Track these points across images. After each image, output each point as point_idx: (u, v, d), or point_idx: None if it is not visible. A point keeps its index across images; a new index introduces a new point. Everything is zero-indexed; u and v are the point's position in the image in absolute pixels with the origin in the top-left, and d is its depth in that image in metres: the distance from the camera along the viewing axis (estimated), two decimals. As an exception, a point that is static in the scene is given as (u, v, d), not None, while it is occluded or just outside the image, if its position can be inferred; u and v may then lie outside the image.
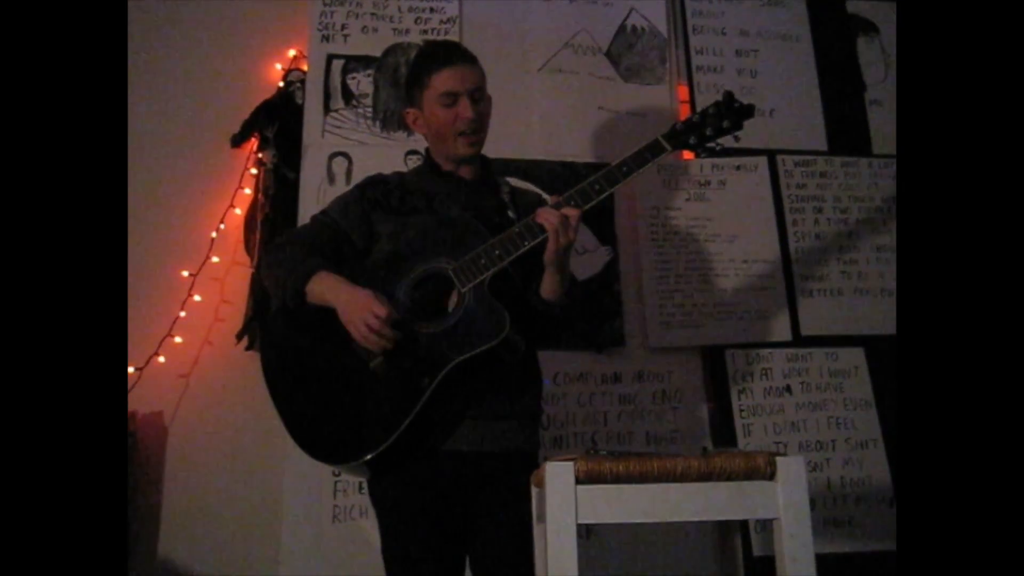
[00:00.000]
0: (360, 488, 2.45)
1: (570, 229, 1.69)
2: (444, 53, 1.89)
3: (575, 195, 1.74)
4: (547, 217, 1.68)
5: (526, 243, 1.71)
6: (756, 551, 2.55)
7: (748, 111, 1.81)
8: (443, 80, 1.84)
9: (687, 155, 1.84)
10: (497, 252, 1.71)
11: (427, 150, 1.98)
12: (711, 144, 1.80)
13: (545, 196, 2.19)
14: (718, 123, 1.79)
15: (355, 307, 1.67)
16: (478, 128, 1.87)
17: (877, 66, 3.17)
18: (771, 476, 1.33)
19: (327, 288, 1.72)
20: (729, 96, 1.80)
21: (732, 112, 1.79)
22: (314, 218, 1.94)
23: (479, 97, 1.87)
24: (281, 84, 2.86)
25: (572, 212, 1.70)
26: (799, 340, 2.80)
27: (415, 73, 1.91)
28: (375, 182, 1.94)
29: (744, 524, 2.57)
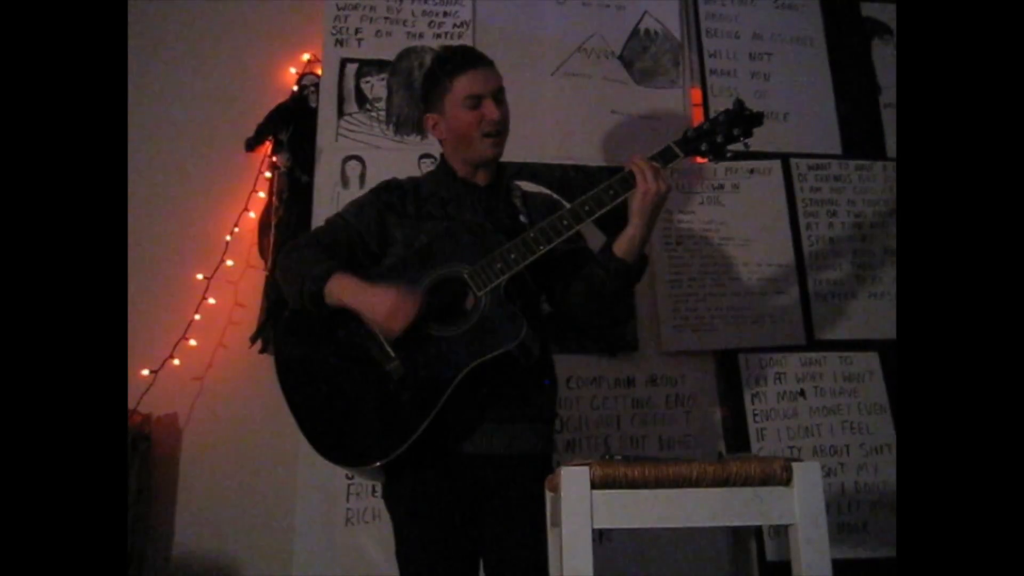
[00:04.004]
0: (373, 491, 2.45)
1: (660, 179, 1.71)
2: (464, 57, 1.91)
3: (589, 201, 1.75)
4: (636, 162, 1.72)
5: (541, 247, 1.72)
6: (770, 556, 2.54)
7: (758, 119, 1.83)
8: (466, 83, 1.85)
9: (700, 159, 1.85)
10: (513, 256, 1.71)
11: (442, 155, 1.98)
12: (722, 151, 1.82)
13: (557, 198, 2.20)
14: (729, 130, 1.81)
15: (382, 308, 1.67)
16: (502, 128, 1.88)
17: (891, 69, 3.15)
18: (787, 482, 1.32)
19: (346, 290, 1.72)
20: (740, 104, 1.83)
21: (742, 119, 1.82)
22: (329, 220, 1.95)
23: (502, 98, 1.89)
24: (295, 88, 2.87)
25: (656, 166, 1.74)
26: (813, 344, 2.78)
27: (435, 78, 1.91)
28: (390, 187, 1.95)
29: (758, 529, 2.56)
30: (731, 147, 1.83)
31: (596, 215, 1.75)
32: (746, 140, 1.83)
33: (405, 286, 1.70)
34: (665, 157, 1.79)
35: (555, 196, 2.29)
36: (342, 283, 1.72)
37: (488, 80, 1.86)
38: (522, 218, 1.90)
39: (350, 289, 1.72)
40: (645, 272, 1.82)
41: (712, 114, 2.90)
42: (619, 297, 1.82)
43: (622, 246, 1.74)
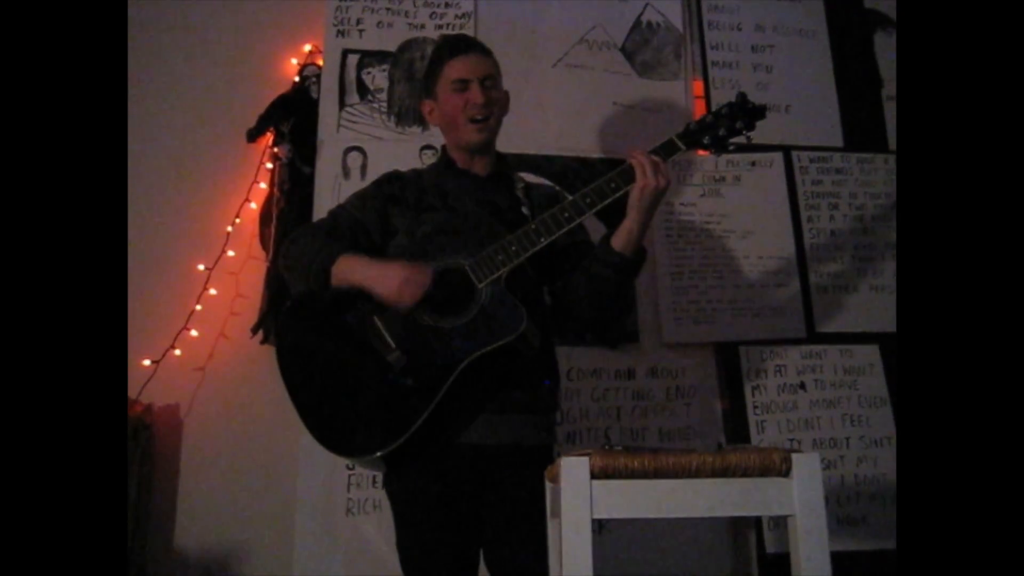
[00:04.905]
0: (374, 482, 2.46)
1: (660, 174, 1.70)
2: (458, 43, 1.94)
3: (591, 193, 1.75)
4: (636, 156, 1.72)
5: (542, 239, 1.72)
6: (769, 548, 2.54)
7: (760, 112, 1.83)
8: (455, 68, 1.88)
9: (702, 152, 1.85)
10: (514, 248, 1.72)
11: (443, 147, 1.99)
12: (724, 144, 1.82)
13: (559, 189, 2.20)
14: (731, 123, 1.81)
15: (393, 281, 1.68)
16: (488, 114, 1.89)
17: (893, 62, 3.13)
18: (786, 473, 1.32)
19: (354, 268, 1.73)
20: (742, 97, 1.83)
21: (745, 113, 1.82)
22: (331, 212, 1.96)
23: (490, 85, 1.90)
24: (296, 79, 2.87)
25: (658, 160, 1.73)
26: (814, 337, 2.78)
27: (431, 64, 1.96)
28: (392, 178, 1.95)
29: (758, 521, 2.56)
30: (733, 140, 1.83)
31: (597, 207, 1.75)
32: (748, 133, 1.83)
33: (412, 261, 1.72)
34: (667, 150, 1.79)
35: (557, 188, 2.29)
36: (350, 262, 1.74)
37: (477, 66, 1.88)
38: (524, 209, 1.91)
39: (358, 267, 1.73)
40: (644, 265, 1.82)
41: (714, 107, 2.91)
42: (619, 291, 1.82)
43: (620, 240, 1.74)
